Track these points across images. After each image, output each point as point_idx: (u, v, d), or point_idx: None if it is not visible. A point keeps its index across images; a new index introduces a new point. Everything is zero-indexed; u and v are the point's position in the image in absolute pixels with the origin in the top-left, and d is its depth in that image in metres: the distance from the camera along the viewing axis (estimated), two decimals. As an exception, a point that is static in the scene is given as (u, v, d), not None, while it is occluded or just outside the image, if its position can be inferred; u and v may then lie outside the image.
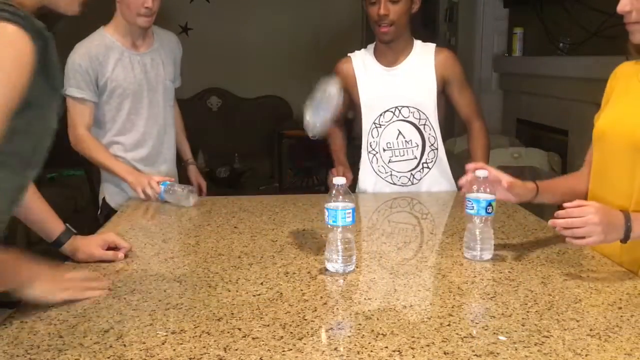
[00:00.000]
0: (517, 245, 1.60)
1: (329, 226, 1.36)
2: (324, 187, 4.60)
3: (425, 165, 2.19)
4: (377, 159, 2.20)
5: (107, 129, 2.25)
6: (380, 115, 2.16)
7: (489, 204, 1.45)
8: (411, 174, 2.19)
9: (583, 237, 1.28)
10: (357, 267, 1.45)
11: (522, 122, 4.48)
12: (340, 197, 1.34)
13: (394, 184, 2.21)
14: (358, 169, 2.26)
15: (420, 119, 2.15)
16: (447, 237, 1.79)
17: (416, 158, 2.18)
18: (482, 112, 2.27)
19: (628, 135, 1.40)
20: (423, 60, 2.15)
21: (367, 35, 6.11)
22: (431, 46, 2.19)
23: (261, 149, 5.79)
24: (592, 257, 1.49)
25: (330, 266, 1.39)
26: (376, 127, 2.18)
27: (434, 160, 2.19)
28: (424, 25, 5.22)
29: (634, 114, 1.42)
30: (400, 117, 2.15)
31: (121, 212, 2.01)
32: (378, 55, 2.20)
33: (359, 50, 2.26)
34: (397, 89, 2.15)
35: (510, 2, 4.57)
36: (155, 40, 2.31)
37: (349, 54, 2.26)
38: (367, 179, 2.23)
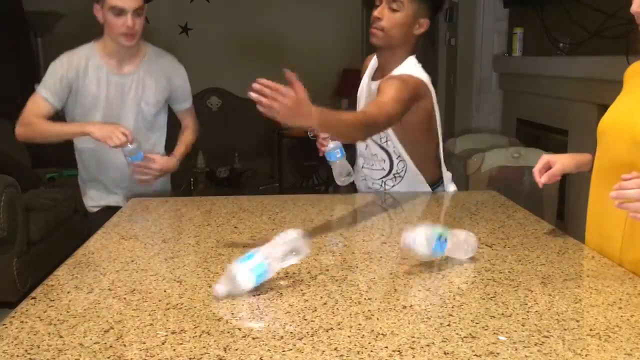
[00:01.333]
0: (517, 245, 1.60)
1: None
2: (324, 187, 4.60)
3: (397, 174, 2.16)
4: (358, 163, 2.23)
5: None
6: None
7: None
8: (382, 181, 2.17)
9: None
10: (357, 267, 1.45)
11: (522, 122, 4.48)
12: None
13: (370, 187, 2.22)
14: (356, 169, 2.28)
15: (381, 137, 2.06)
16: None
17: (384, 170, 2.15)
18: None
19: (628, 130, 1.40)
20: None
21: (366, 36, 6.12)
22: (402, 69, 2.01)
23: (261, 149, 5.79)
24: (592, 257, 1.49)
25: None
26: None
27: (404, 169, 2.14)
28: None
29: (634, 110, 1.42)
30: None
31: (121, 212, 2.01)
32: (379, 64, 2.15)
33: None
34: (363, 104, 2.14)
35: (510, 2, 4.56)
36: (145, 63, 2.33)
37: (375, 53, 2.17)
38: (357, 176, 2.25)
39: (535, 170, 1.63)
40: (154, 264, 1.48)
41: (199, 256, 1.54)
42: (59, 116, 2.33)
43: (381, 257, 1.54)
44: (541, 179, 1.61)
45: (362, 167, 2.20)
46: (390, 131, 2.03)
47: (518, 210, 1.96)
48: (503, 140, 4.23)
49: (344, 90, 5.87)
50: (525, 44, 4.39)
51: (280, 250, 1.27)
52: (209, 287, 1.31)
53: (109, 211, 2.18)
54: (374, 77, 2.14)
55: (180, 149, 2.51)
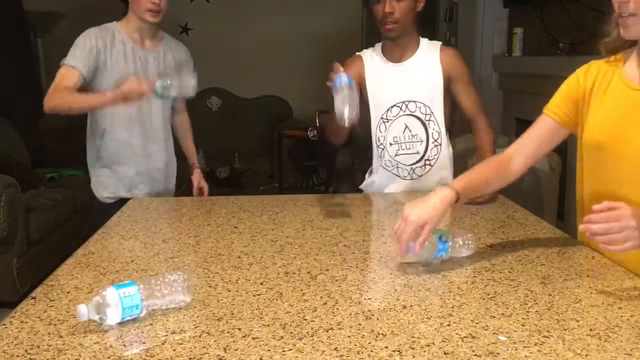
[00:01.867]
0: (517, 245, 1.60)
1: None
2: (324, 187, 4.60)
3: (427, 162, 2.21)
4: (384, 154, 2.22)
5: (99, 115, 2.31)
6: (388, 110, 2.19)
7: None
8: (412, 168, 2.21)
9: (619, 243, 1.19)
10: (357, 267, 1.45)
11: (522, 122, 4.48)
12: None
13: (399, 176, 2.23)
14: (356, 169, 2.28)
15: (426, 114, 2.17)
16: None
17: (419, 153, 2.20)
18: (486, 110, 2.27)
19: (625, 145, 1.37)
20: (429, 57, 2.19)
21: (366, 35, 6.11)
22: (437, 44, 2.23)
23: (261, 149, 5.78)
24: (592, 257, 1.49)
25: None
26: (384, 122, 2.20)
27: (436, 157, 2.21)
28: (423, 25, 5.22)
29: (626, 121, 1.39)
30: (407, 112, 2.18)
31: (121, 212, 2.01)
32: (386, 52, 2.22)
33: (367, 49, 2.28)
34: (404, 84, 2.18)
35: (510, 2, 4.57)
36: (163, 45, 2.38)
37: (357, 53, 2.28)
38: (377, 173, 2.26)
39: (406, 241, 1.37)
40: (154, 264, 1.48)
41: (199, 256, 1.54)
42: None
43: (381, 257, 1.54)
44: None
45: (396, 154, 2.21)
46: (436, 107, 2.16)
47: (518, 210, 1.96)
48: (503, 140, 4.21)
49: (343, 90, 5.86)
50: (525, 44, 4.39)
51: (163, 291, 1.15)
52: (209, 287, 1.31)
53: (123, 203, 2.15)
54: (394, 60, 2.21)
55: (193, 153, 2.62)
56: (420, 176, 2.21)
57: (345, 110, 1.69)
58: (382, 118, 2.20)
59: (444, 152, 2.22)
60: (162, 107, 2.39)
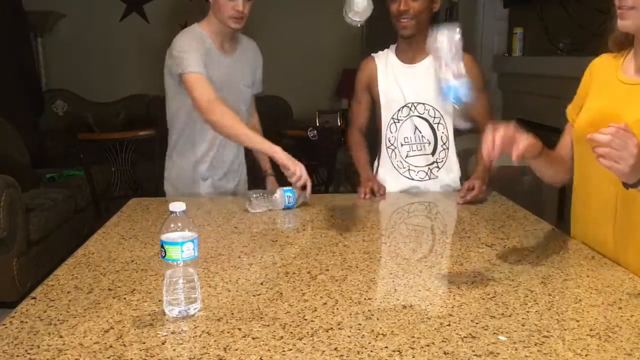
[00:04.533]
0: (517, 245, 1.60)
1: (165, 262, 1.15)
2: (324, 187, 4.60)
3: (435, 164, 2.23)
4: (395, 154, 2.24)
5: (183, 123, 2.27)
6: (398, 110, 2.21)
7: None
8: (429, 168, 2.23)
9: (612, 160, 1.18)
10: (357, 267, 1.45)
11: (522, 122, 4.45)
12: (179, 224, 1.14)
13: (412, 179, 2.24)
14: (356, 169, 2.28)
15: (434, 117, 2.19)
16: (447, 237, 1.79)
17: (428, 154, 2.22)
18: (494, 117, 2.27)
19: None
20: None
21: (366, 35, 6.11)
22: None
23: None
24: (592, 257, 1.49)
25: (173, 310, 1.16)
26: (394, 122, 2.22)
27: (444, 160, 2.22)
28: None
29: (613, 115, 1.41)
30: (416, 113, 2.20)
31: (121, 212, 2.01)
32: (399, 52, 2.25)
33: (382, 51, 2.30)
34: (414, 86, 2.20)
35: (510, 2, 4.56)
36: (240, 46, 2.34)
37: (372, 54, 2.31)
38: (388, 174, 2.26)
39: (490, 144, 1.36)
40: (154, 264, 1.48)
41: (199, 256, 1.53)
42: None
43: (381, 257, 1.54)
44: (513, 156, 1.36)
45: (407, 155, 2.22)
46: (445, 115, 2.17)
47: (518, 210, 1.96)
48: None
49: (344, 90, 5.87)
50: (525, 44, 4.39)
51: None
52: (209, 287, 1.31)
53: None
54: (407, 61, 2.22)
55: (267, 159, 2.53)
56: (430, 178, 2.23)
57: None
58: (392, 118, 2.22)
59: (452, 156, 2.23)
60: (238, 97, 2.31)
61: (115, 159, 4.20)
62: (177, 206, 1.14)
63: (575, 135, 1.55)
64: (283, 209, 1.97)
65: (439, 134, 2.20)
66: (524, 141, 1.38)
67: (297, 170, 2.00)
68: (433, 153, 2.21)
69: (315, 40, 6.01)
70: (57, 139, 4.95)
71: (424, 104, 2.18)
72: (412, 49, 2.20)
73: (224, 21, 2.18)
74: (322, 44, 6.02)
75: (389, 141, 2.24)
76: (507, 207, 2.01)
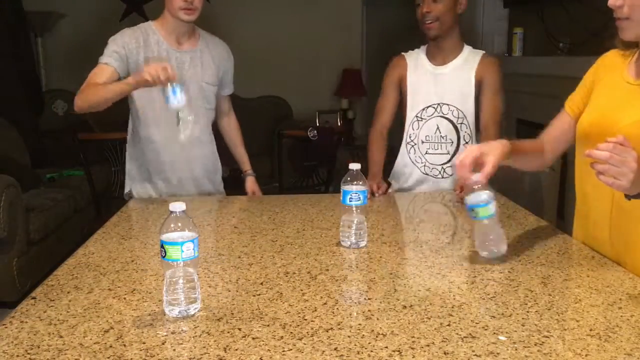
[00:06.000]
0: (517, 245, 1.60)
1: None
2: (324, 187, 4.60)
3: (448, 163, 2.26)
4: (414, 150, 2.29)
5: (141, 120, 2.27)
6: (423, 109, 2.27)
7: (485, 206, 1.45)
8: (442, 167, 2.27)
9: (612, 177, 1.18)
10: (357, 267, 1.45)
11: (522, 122, 4.48)
12: (179, 224, 1.14)
13: (427, 174, 2.28)
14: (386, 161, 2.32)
15: (458, 117, 2.24)
16: (447, 237, 1.79)
17: (449, 154, 2.26)
18: (502, 124, 2.28)
19: (609, 135, 1.39)
20: (468, 65, 2.25)
21: (366, 35, 6.11)
22: (479, 53, 2.30)
23: (261, 149, 5.78)
24: (592, 257, 1.49)
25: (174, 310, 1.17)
26: (417, 120, 2.27)
27: None
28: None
29: (615, 113, 1.41)
30: (441, 114, 2.25)
31: (121, 212, 2.01)
32: (429, 53, 2.31)
33: (414, 50, 2.36)
34: (441, 87, 2.25)
35: (510, 2, 4.57)
36: (200, 42, 2.33)
37: (402, 53, 2.36)
38: (404, 167, 2.31)
39: (461, 164, 1.42)
40: (154, 264, 1.48)
41: (199, 256, 1.53)
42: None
43: (381, 257, 1.54)
44: (476, 178, 1.42)
45: (426, 152, 2.27)
46: (469, 112, 2.22)
47: (518, 210, 1.96)
48: (503, 140, 4.23)
49: (344, 90, 5.87)
50: (525, 44, 4.39)
51: None
52: (209, 287, 1.31)
53: None
54: (436, 62, 2.28)
55: (246, 160, 2.62)
56: (451, 175, 2.26)
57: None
58: (416, 116, 2.27)
59: None
60: (197, 94, 2.29)
61: (115, 159, 4.21)
62: (177, 206, 1.14)
63: (577, 134, 1.54)
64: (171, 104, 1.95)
65: (462, 134, 2.24)
66: (490, 162, 1.42)
67: (150, 70, 1.92)
68: (455, 152, 2.24)
69: (315, 40, 6.01)
70: (57, 139, 4.95)
71: (448, 104, 2.24)
72: (440, 50, 2.26)
73: (176, 14, 2.19)
74: (322, 44, 6.02)
75: (410, 137, 2.29)
76: (507, 207, 2.01)
